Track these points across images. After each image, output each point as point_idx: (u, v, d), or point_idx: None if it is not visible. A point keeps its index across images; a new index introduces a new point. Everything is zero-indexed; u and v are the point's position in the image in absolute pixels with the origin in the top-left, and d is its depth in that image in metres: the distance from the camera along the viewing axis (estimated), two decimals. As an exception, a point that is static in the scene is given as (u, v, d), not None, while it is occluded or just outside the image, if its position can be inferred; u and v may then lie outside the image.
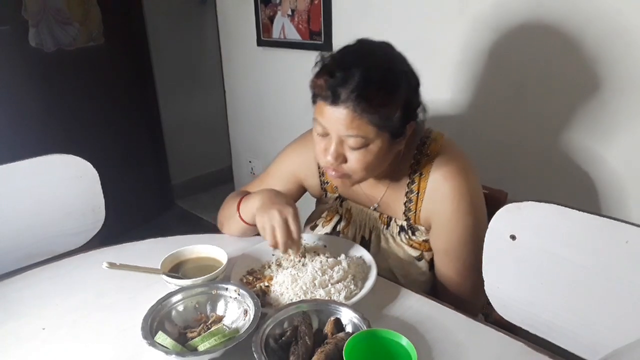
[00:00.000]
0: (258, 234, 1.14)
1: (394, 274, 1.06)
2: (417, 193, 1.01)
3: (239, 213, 1.08)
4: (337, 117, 0.87)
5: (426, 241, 1.05)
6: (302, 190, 1.20)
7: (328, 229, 1.14)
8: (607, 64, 1.15)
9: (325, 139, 0.92)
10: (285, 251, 0.95)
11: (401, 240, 1.06)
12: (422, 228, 1.04)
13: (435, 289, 1.08)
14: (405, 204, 1.04)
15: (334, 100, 0.86)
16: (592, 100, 1.20)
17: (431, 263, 1.06)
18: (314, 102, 0.93)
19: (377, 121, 0.86)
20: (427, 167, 1.00)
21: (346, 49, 0.92)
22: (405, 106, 0.90)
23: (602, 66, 1.16)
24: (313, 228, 1.17)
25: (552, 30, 1.21)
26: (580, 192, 1.28)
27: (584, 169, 1.26)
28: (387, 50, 0.93)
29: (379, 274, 0.92)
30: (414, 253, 1.05)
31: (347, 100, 0.85)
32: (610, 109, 1.18)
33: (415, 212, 1.03)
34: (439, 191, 0.98)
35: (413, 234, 1.05)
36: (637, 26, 1.09)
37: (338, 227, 1.13)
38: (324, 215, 1.16)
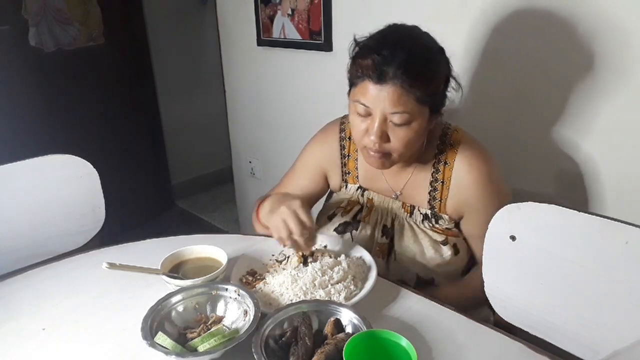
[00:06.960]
0: None
1: (416, 261, 1.07)
2: (443, 182, 1.04)
3: (259, 220, 1.08)
4: (383, 95, 0.89)
5: (449, 229, 1.07)
6: (327, 183, 1.20)
7: (348, 217, 1.14)
8: (607, 63, 1.15)
9: (367, 120, 0.94)
10: (300, 238, 0.90)
11: (425, 226, 1.07)
12: (446, 217, 1.06)
13: (459, 274, 1.10)
14: (430, 192, 1.06)
15: (381, 79, 0.88)
16: (592, 98, 1.20)
17: (455, 248, 1.07)
18: (354, 84, 0.95)
19: (423, 97, 0.89)
20: (452, 155, 1.02)
21: (383, 32, 0.95)
22: (447, 81, 0.94)
23: (603, 64, 1.16)
24: (330, 218, 1.16)
25: (552, 28, 1.21)
26: (581, 191, 1.28)
27: (585, 168, 1.26)
28: (421, 31, 0.96)
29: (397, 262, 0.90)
30: (439, 238, 1.06)
31: (395, 77, 0.87)
32: (611, 107, 1.18)
33: (441, 200, 1.05)
34: (465, 179, 1.01)
35: (437, 222, 1.06)
36: (637, 25, 1.09)
37: (358, 217, 1.14)
38: (342, 204, 1.16)
